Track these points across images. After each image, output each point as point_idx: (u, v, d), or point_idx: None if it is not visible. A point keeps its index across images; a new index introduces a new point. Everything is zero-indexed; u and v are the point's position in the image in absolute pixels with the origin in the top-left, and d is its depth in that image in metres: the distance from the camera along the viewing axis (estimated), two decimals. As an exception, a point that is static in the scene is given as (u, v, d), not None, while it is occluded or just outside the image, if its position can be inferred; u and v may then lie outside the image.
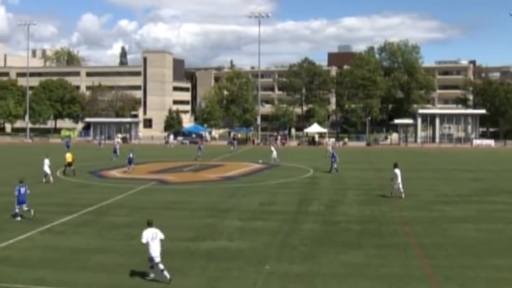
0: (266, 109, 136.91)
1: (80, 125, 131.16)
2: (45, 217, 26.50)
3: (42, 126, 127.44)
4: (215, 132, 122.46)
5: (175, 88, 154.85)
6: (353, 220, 26.61)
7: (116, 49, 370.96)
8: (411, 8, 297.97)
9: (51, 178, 40.18)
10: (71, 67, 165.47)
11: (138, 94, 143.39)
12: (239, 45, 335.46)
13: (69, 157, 45.98)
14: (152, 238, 17.16)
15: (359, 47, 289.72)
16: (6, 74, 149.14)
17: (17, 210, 26.37)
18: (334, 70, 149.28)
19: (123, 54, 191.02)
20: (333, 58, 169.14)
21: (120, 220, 26.41)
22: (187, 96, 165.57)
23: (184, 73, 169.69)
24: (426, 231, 24.18)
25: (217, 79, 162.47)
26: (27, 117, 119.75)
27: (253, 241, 22.14)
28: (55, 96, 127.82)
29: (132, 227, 24.63)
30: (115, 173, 47.51)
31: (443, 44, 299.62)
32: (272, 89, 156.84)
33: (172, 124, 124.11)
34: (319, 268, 18.40)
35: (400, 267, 18.56)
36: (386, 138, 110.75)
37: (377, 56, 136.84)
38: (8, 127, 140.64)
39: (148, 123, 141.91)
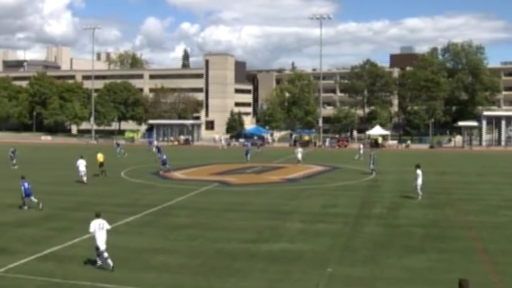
0: (328, 111, 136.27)
1: (143, 127, 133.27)
2: (109, 217, 26.86)
3: (106, 127, 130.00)
4: (277, 134, 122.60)
5: (237, 90, 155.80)
6: (416, 224, 26.21)
7: (178, 52, 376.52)
8: (475, 8, 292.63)
9: (85, 178, 40.72)
10: (135, 70, 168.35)
11: (200, 96, 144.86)
12: (300, 47, 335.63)
13: (100, 157, 45.94)
14: (99, 228, 18.51)
15: (422, 48, 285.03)
16: (72, 77, 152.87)
17: (24, 202, 29.56)
18: (396, 72, 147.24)
19: (186, 56, 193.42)
20: (395, 60, 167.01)
21: (182, 221, 26.69)
22: (248, 98, 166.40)
23: (246, 75, 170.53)
24: (492, 236, 23.61)
25: (278, 81, 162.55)
26: (92, 119, 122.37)
27: (314, 244, 22.05)
28: (119, 98, 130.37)
29: (194, 228, 24.92)
30: (178, 174, 48.03)
31: (508, 44, 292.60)
32: (333, 91, 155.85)
33: (234, 126, 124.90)
34: (381, 272, 18.19)
35: (465, 272, 18.10)
36: (449, 140, 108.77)
37: (440, 57, 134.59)
38: (74, 128, 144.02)
39: (210, 125, 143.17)
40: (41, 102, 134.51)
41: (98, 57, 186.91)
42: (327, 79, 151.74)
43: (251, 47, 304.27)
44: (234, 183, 42.41)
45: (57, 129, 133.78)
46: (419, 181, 33.46)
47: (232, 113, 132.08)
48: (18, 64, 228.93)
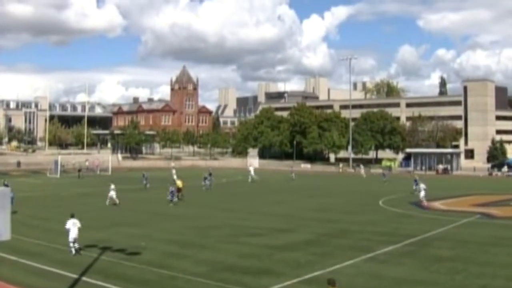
0: None
1: (400, 156, 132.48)
2: (369, 245, 27.39)
3: (363, 156, 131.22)
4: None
5: (498, 117, 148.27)
6: None
7: (434, 79, 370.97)
8: None
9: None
10: (391, 98, 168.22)
11: (459, 124, 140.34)
12: None
13: (179, 184, 49.80)
14: (73, 225, 25.00)
15: None
16: (330, 106, 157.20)
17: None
18: None
19: (443, 83, 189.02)
20: None
21: (443, 253, 26.04)
22: (511, 125, 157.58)
23: (508, 101, 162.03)
24: None
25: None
26: (349, 147, 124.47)
27: None
28: (376, 127, 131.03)
29: (456, 261, 24.22)
30: (438, 204, 46.98)
31: None
32: None
33: (495, 155, 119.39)
34: None
35: None
36: None
37: None
38: (332, 157, 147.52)
39: (469, 154, 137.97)
40: (300, 131, 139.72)
41: (355, 86, 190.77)
42: None
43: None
44: (498, 215, 40.32)
45: (316, 157, 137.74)
46: None
47: (493, 141, 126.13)
48: (279, 95, 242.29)
